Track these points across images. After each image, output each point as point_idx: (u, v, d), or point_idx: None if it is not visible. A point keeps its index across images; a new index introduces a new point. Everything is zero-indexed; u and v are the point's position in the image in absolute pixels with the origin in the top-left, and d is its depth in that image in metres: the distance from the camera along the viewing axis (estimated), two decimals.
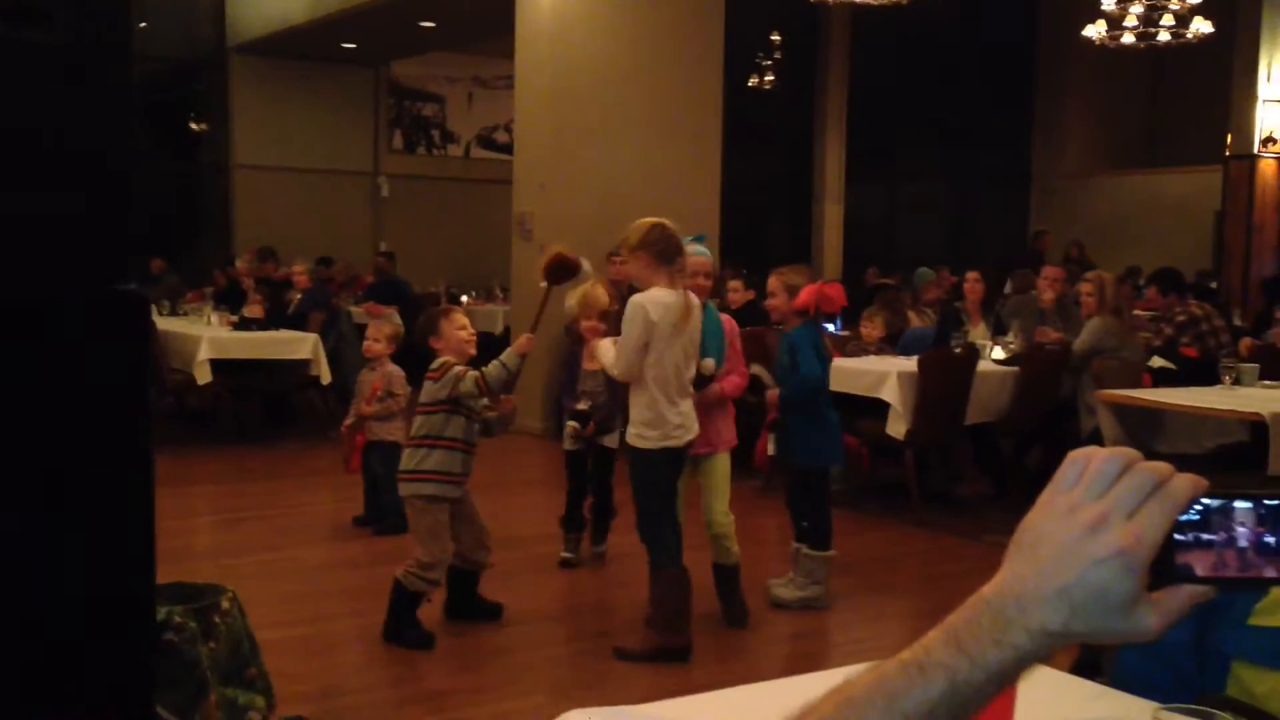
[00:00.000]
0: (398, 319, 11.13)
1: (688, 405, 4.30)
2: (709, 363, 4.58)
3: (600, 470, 5.70)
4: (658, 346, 4.18)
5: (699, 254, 4.67)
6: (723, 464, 4.78)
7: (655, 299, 4.18)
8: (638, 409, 4.26)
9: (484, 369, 4.37)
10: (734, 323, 5.02)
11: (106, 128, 2.75)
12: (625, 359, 4.19)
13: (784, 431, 5.02)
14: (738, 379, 4.85)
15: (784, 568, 5.14)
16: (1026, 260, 11.63)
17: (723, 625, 4.74)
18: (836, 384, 6.57)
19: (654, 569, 4.34)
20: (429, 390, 4.47)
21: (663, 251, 4.22)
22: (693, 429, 4.32)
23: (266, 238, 12.48)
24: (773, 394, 5.08)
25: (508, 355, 4.41)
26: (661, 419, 4.21)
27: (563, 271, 4.67)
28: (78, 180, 2.76)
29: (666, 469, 4.29)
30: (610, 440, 5.56)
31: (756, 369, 6.19)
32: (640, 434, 4.25)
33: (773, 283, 4.96)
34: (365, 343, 6.35)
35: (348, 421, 6.26)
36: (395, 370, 6.21)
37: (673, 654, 4.28)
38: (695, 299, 4.34)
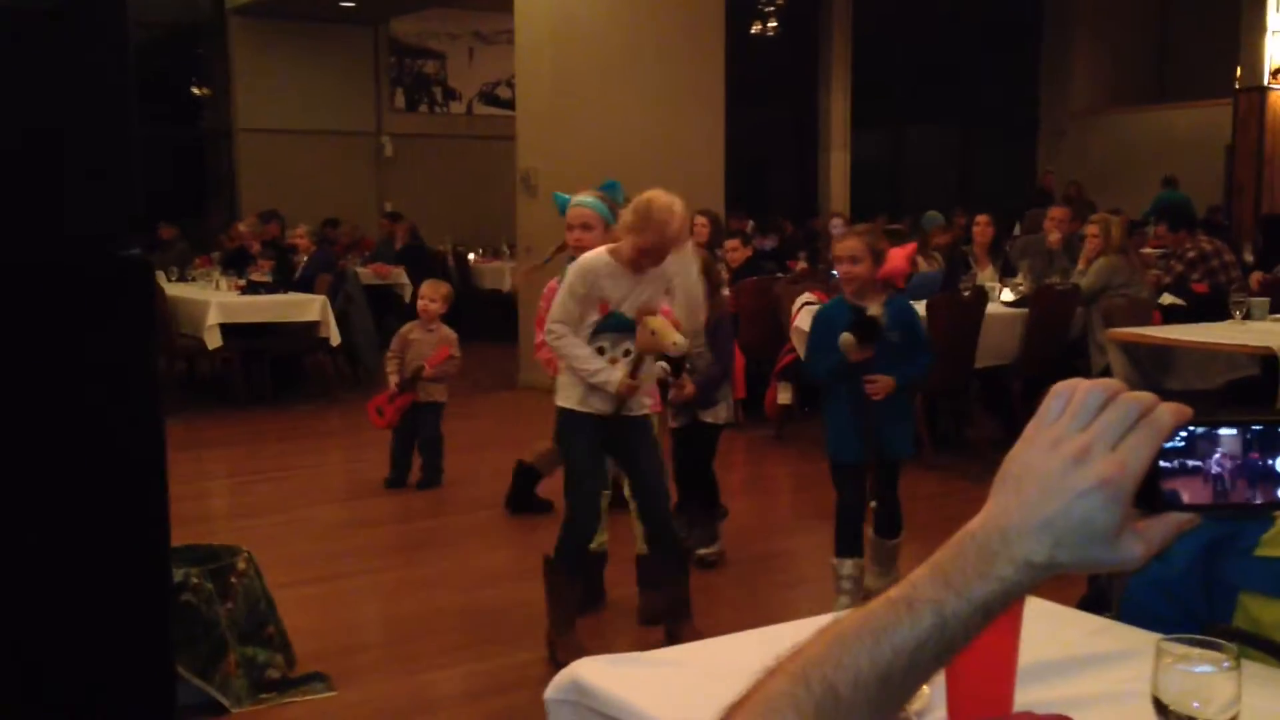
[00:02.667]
0: (405, 279, 11.16)
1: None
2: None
3: (699, 451, 4.91)
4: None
5: (579, 203, 4.15)
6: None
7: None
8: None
9: None
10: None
11: (105, 94, 2.74)
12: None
13: (887, 420, 4.15)
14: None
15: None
16: (1036, 200, 11.56)
17: (723, 572, 4.72)
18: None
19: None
20: None
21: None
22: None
23: (271, 201, 12.46)
24: (888, 381, 4.06)
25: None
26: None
27: None
28: (78, 147, 2.76)
29: None
30: (712, 415, 4.83)
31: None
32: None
33: (855, 245, 4.08)
34: (421, 302, 6.30)
35: (395, 378, 6.17)
36: (449, 331, 6.24)
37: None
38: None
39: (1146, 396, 0.80)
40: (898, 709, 0.81)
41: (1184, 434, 0.80)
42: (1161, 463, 0.79)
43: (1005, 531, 0.79)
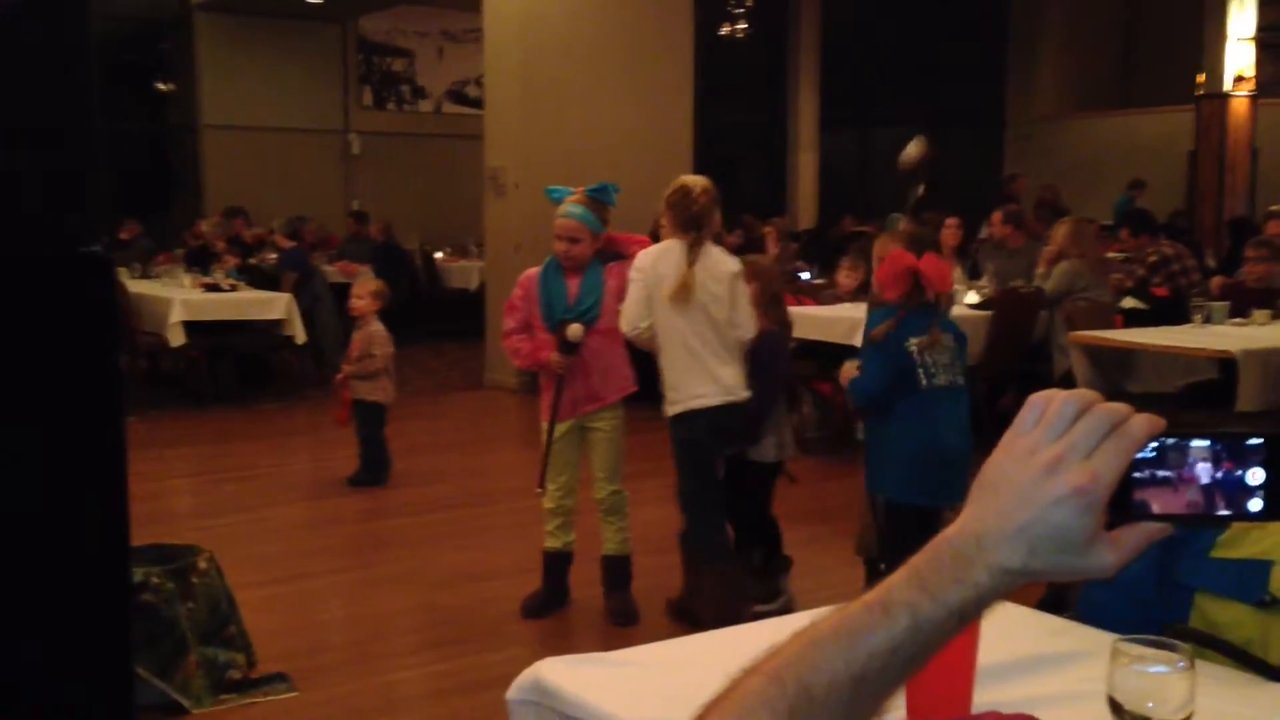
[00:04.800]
0: (373, 277, 11.11)
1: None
2: (576, 328, 4.08)
3: (748, 490, 4.40)
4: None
5: (566, 215, 4.12)
6: (609, 422, 4.24)
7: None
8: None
9: None
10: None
11: (67, 88, 2.72)
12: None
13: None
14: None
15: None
16: (1002, 204, 11.62)
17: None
18: (809, 332, 6.61)
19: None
20: None
21: (682, 219, 3.98)
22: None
23: (237, 198, 12.36)
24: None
25: None
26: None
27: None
28: (39, 141, 2.73)
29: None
30: (757, 453, 4.31)
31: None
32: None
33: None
34: (350, 301, 6.29)
35: (339, 377, 6.25)
36: (378, 329, 6.17)
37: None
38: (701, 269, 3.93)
39: (1120, 408, 0.82)
40: (872, 711, 0.82)
41: (1155, 445, 0.81)
42: (1133, 473, 0.81)
43: (981, 538, 0.81)
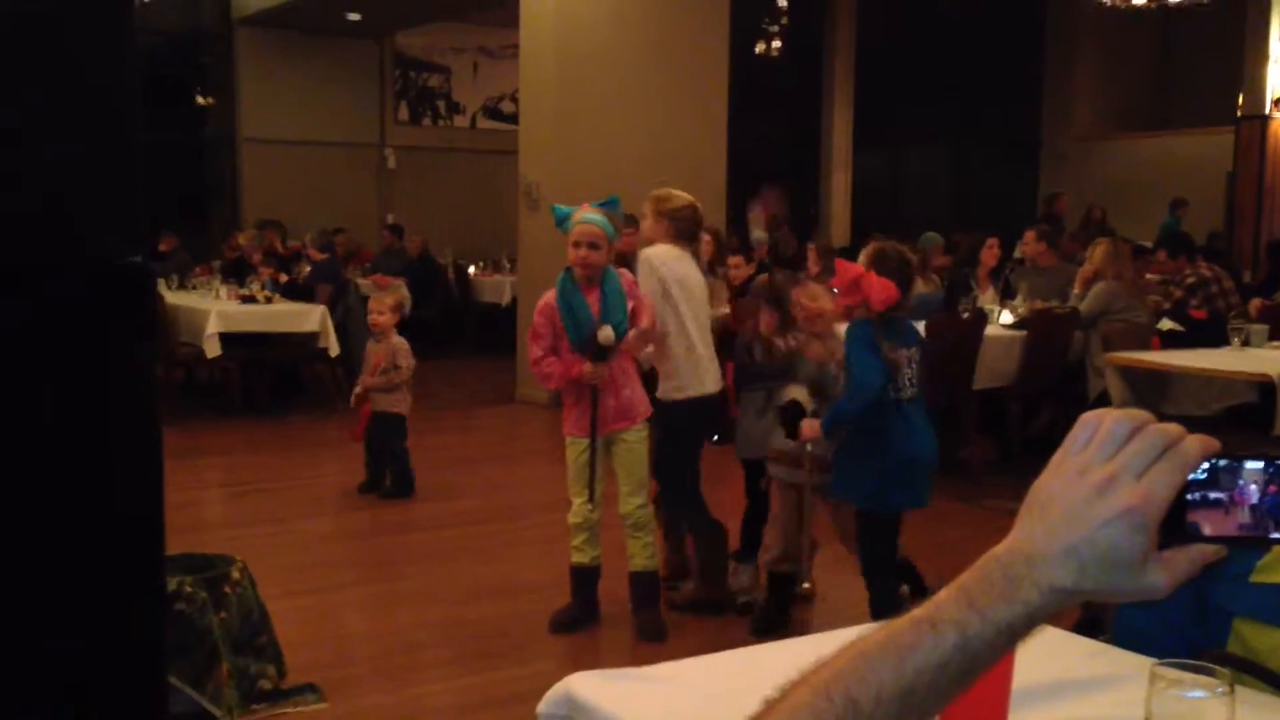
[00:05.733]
0: (405, 291, 11.17)
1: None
2: (606, 331, 4.12)
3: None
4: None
5: (586, 220, 4.15)
6: (636, 434, 4.31)
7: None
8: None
9: None
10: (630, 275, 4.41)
11: (109, 99, 2.75)
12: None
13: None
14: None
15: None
16: (1046, 223, 11.48)
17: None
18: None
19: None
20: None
21: (681, 230, 4.47)
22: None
23: (274, 211, 12.47)
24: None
25: None
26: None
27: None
28: (79, 152, 2.76)
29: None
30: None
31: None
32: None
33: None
34: (370, 317, 6.36)
35: (356, 392, 6.30)
36: (400, 342, 6.22)
37: (715, 605, 4.51)
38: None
39: (1173, 428, 0.81)
40: None
41: (1208, 466, 0.81)
42: (1186, 494, 0.80)
43: (1031, 557, 0.81)
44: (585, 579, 4.37)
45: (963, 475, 6.86)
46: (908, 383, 3.86)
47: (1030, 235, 8.19)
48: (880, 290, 3.78)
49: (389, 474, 6.34)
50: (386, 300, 6.42)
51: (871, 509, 3.93)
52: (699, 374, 4.47)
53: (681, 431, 4.53)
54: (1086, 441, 0.82)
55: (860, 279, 3.82)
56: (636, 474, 4.30)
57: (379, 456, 6.36)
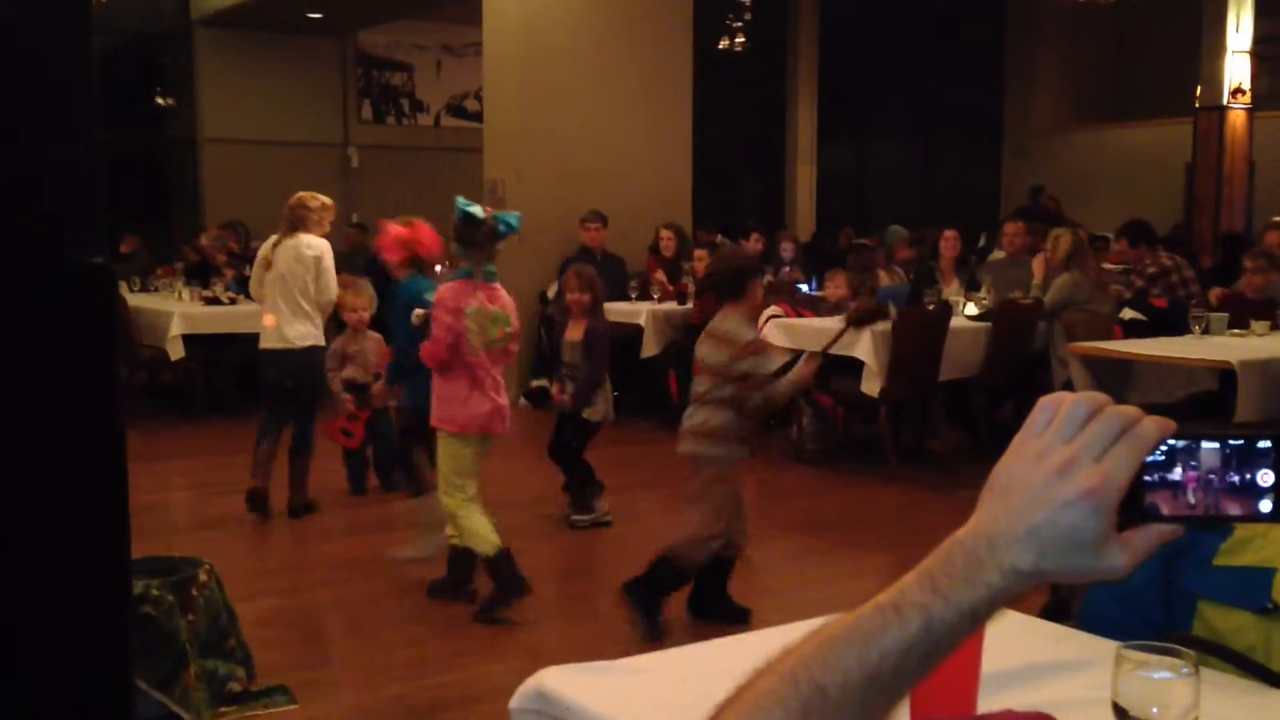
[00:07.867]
0: (371, 289, 11.09)
1: None
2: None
3: (577, 443, 5.75)
4: None
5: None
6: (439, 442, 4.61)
7: None
8: None
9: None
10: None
11: (66, 98, 2.72)
12: None
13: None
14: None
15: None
16: (1037, 217, 11.41)
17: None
18: (807, 344, 6.60)
19: None
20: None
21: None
22: None
23: (236, 211, 12.36)
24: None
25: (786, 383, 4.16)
26: None
27: (871, 317, 5.75)
28: (40, 148, 2.73)
29: None
30: (592, 413, 5.64)
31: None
32: None
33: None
34: (351, 315, 6.26)
35: (348, 400, 6.12)
36: (375, 336, 6.20)
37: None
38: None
39: (1131, 410, 0.82)
40: (885, 712, 0.82)
41: (1166, 447, 0.82)
42: (1144, 475, 0.81)
43: (993, 539, 0.81)
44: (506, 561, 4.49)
45: (934, 465, 6.91)
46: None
47: (1019, 228, 8.18)
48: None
49: (397, 470, 6.24)
50: (362, 296, 6.34)
51: None
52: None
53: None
54: (1046, 424, 0.83)
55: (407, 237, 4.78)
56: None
57: (381, 455, 6.26)
